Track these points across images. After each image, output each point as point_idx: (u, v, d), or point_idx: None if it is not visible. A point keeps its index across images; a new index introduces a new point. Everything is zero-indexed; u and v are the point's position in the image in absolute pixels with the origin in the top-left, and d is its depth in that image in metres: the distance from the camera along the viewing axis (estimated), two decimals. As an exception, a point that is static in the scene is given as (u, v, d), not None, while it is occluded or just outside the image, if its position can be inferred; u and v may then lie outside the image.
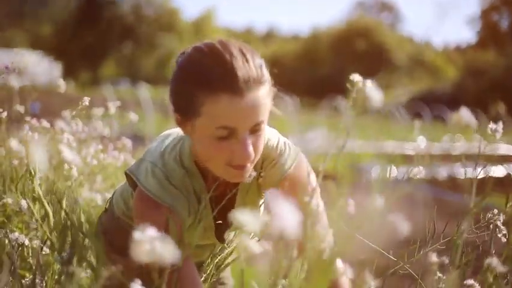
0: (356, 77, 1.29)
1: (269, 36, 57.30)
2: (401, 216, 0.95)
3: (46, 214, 1.62)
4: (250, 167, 1.49)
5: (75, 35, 37.35)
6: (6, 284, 1.50)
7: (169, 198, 1.52)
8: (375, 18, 48.69)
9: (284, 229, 0.73)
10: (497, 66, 34.94)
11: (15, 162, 2.06)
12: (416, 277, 1.63)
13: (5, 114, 2.02)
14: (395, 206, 0.97)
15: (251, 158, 1.45)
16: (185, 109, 1.47)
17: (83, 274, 1.33)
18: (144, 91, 16.71)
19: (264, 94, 1.44)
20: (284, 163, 1.64)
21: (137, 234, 0.88)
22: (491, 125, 1.45)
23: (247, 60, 1.41)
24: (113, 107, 2.58)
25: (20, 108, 2.08)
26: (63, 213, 1.57)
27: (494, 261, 1.30)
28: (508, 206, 1.67)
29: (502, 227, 1.59)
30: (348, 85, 1.30)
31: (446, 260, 1.37)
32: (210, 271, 1.78)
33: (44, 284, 1.71)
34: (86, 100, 2.15)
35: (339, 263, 1.27)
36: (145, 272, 1.03)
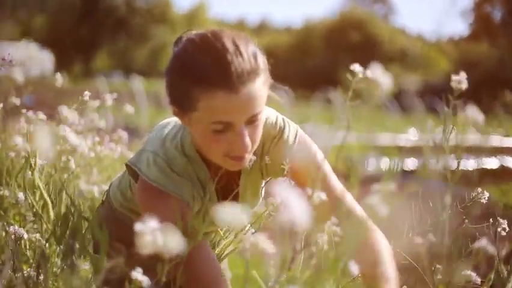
0: (356, 68, 1.30)
1: (262, 28, 57.13)
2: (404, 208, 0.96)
3: (46, 206, 1.62)
4: (248, 156, 1.50)
5: (68, 27, 37.19)
6: (6, 277, 1.51)
7: (172, 186, 1.52)
8: (368, 10, 48.61)
9: (294, 221, 0.73)
10: (490, 58, 34.96)
11: (12, 154, 2.06)
12: (416, 265, 1.65)
13: (0, 106, 2.02)
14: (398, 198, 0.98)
15: (248, 149, 1.46)
16: (181, 102, 1.48)
17: (85, 266, 1.34)
18: (137, 83, 16.67)
19: (260, 85, 1.44)
20: (287, 139, 1.64)
21: (138, 226, 0.89)
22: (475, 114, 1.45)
23: (241, 53, 1.41)
24: (109, 99, 2.58)
25: (16, 101, 2.08)
26: (63, 205, 1.58)
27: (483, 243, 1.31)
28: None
29: (501, 221, 1.60)
30: (348, 76, 1.31)
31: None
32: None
33: (43, 277, 1.72)
34: (87, 95, 2.16)
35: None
36: (146, 263, 1.04)
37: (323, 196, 1.31)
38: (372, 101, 1.18)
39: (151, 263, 1.05)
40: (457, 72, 1.35)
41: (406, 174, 1.62)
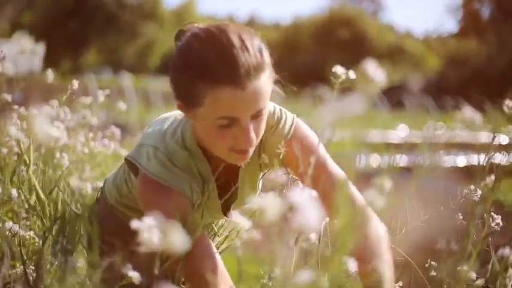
0: (339, 69, 1.32)
1: (250, 24, 56.92)
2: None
3: (42, 204, 1.62)
4: (252, 149, 1.50)
5: (57, 23, 36.98)
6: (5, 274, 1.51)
7: (173, 180, 1.51)
8: (357, 7, 48.68)
9: (305, 224, 0.73)
10: (478, 55, 35.10)
11: (5, 151, 2.06)
12: (410, 261, 1.66)
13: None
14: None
15: (253, 143, 1.46)
16: (186, 98, 1.47)
17: (81, 263, 1.34)
18: (126, 80, 16.62)
19: (265, 80, 1.44)
20: (283, 128, 1.64)
21: (135, 223, 0.89)
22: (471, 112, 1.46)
23: (247, 48, 1.41)
24: (101, 95, 2.58)
25: (8, 97, 2.08)
26: (60, 202, 1.58)
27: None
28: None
29: (495, 216, 1.61)
30: (331, 77, 1.32)
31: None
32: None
33: (35, 274, 1.72)
34: (75, 84, 2.16)
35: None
36: (144, 259, 1.04)
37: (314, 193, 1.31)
38: (364, 98, 1.19)
39: (149, 260, 1.05)
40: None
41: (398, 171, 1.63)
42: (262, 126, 1.49)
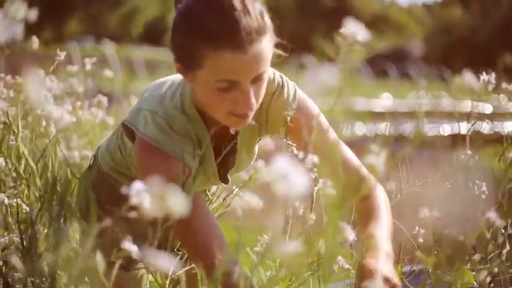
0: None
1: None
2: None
3: (32, 172, 1.62)
4: (252, 113, 1.49)
5: (38, -9, 36.50)
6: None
7: (171, 145, 1.50)
8: (341, -25, 48.41)
9: (292, 193, 0.71)
10: (463, 24, 35.11)
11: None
12: (402, 227, 1.69)
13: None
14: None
15: (253, 107, 1.46)
16: (186, 61, 1.46)
17: (73, 230, 1.35)
18: (109, 49, 16.50)
19: (267, 44, 1.43)
20: (288, 96, 1.64)
21: (125, 189, 0.89)
22: (484, 77, 1.47)
23: (248, 11, 1.40)
24: (88, 63, 2.57)
25: (-6, 66, 2.07)
26: (49, 171, 1.58)
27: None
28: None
29: (480, 184, 1.62)
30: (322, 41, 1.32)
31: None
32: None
33: (24, 243, 1.73)
34: (61, 55, 2.16)
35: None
36: (137, 226, 1.04)
37: (316, 159, 1.32)
38: (348, 64, 1.19)
39: (143, 226, 1.05)
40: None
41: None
42: (262, 90, 1.49)
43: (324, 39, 1.39)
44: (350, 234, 1.10)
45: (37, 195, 1.65)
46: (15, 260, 0.96)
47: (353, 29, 1.15)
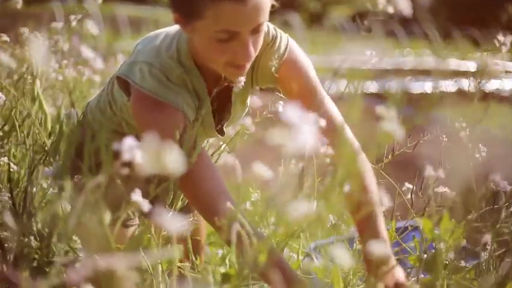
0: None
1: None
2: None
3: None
4: (249, 64, 1.49)
5: None
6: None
7: (169, 95, 1.49)
8: None
9: (302, 144, 0.71)
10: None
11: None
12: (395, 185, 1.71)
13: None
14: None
15: (252, 58, 1.46)
16: (185, 11, 1.44)
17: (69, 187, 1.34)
18: (93, 6, 16.26)
19: None
20: (279, 47, 1.63)
21: (116, 145, 0.88)
22: (500, 37, 1.47)
23: None
24: (73, 20, 2.55)
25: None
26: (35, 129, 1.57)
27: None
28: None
29: (481, 146, 1.63)
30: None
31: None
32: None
33: (12, 201, 1.73)
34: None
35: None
36: (133, 183, 1.04)
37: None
38: (331, 22, 1.19)
39: (136, 183, 1.05)
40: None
41: (367, 96, 1.66)
42: (260, 41, 1.49)
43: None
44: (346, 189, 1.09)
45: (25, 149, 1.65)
46: (8, 219, 0.96)
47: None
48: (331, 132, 1.33)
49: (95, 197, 0.93)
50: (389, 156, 1.74)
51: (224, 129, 1.74)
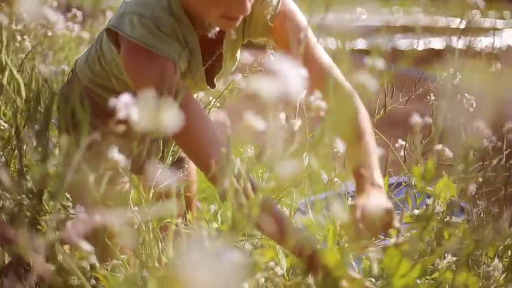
0: None
1: None
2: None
3: (17, 84, 1.59)
4: (241, 17, 1.48)
5: None
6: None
7: (160, 45, 1.46)
8: None
9: (289, 91, 0.70)
10: None
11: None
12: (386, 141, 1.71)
13: None
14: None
15: (248, 11, 1.45)
16: None
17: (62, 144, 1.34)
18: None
19: None
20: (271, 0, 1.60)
21: (112, 101, 0.88)
22: None
23: None
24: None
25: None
26: (34, 82, 1.55)
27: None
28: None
29: (469, 97, 1.64)
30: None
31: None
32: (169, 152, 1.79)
33: (4, 160, 1.73)
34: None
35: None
36: (121, 140, 1.03)
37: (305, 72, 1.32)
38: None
39: (127, 140, 1.05)
40: None
41: (356, 53, 1.66)
42: None
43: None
44: (340, 147, 1.09)
45: (21, 107, 1.64)
46: (3, 176, 0.97)
47: None
48: (324, 80, 1.32)
49: (84, 155, 0.92)
50: (381, 112, 1.75)
51: (215, 82, 1.74)
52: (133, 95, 0.86)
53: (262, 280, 1.25)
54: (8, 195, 1.11)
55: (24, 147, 1.61)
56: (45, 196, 1.20)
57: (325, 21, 1.54)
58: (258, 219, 0.99)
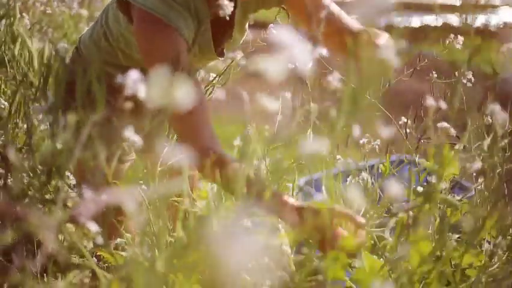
0: None
1: None
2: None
3: (30, 55, 1.57)
4: None
5: None
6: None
7: (174, 17, 1.45)
8: None
9: (297, 64, 0.69)
10: None
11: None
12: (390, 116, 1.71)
13: None
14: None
15: None
16: None
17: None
18: None
19: None
20: None
21: (119, 78, 0.87)
22: None
23: None
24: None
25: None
26: (47, 52, 1.53)
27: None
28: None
29: (467, 72, 1.63)
30: None
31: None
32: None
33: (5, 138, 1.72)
34: None
35: None
36: (129, 116, 1.03)
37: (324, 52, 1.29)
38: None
39: (133, 118, 1.04)
40: None
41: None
42: None
43: None
44: (356, 131, 1.08)
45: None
46: (12, 155, 0.96)
47: None
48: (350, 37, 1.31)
49: (91, 133, 0.92)
50: (387, 86, 1.75)
51: (224, 51, 1.73)
52: (140, 70, 0.86)
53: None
54: (14, 173, 1.10)
55: (26, 125, 1.61)
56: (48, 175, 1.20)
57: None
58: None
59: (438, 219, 1.27)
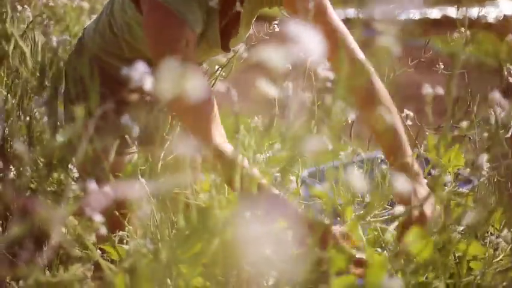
0: None
1: None
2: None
3: (23, 54, 1.58)
4: None
5: None
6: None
7: (185, 10, 1.44)
8: None
9: (307, 54, 0.68)
10: None
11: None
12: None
13: None
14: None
15: None
16: None
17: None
18: None
19: None
20: None
21: (125, 70, 0.86)
22: None
23: None
24: None
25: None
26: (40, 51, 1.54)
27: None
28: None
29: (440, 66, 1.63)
30: None
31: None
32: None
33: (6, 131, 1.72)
34: None
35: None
36: (133, 108, 1.03)
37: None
38: None
39: (136, 110, 1.04)
40: None
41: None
42: None
43: None
44: (351, 115, 1.08)
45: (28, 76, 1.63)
46: (19, 146, 0.96)
47: None
48: (338, 49, 1.31)
49: (94, 125, 0.91)
50: (391, 77, 1.74)
51: (230, 46, 1.73)
52: (145, 62, 0.85)
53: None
54: (17, 167, 1.10)
55: (27, 118, 1.61)
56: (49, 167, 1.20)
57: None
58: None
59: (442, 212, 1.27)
